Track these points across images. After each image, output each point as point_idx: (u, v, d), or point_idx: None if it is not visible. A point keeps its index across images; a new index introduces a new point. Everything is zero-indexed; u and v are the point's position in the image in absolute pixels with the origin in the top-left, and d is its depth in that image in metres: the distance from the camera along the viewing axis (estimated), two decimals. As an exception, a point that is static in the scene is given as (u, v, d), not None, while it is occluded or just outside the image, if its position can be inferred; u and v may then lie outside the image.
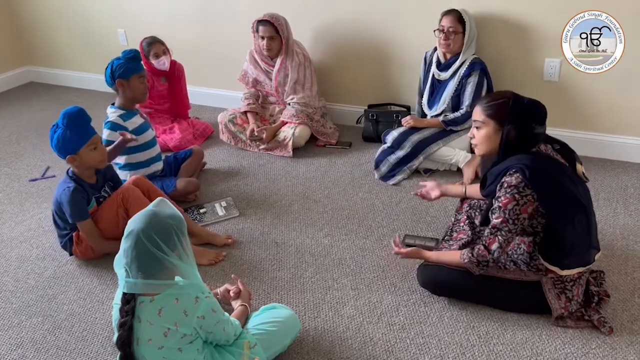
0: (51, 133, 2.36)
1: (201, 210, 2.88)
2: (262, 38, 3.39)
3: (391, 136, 3.13)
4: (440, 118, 3.08)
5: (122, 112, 2.85)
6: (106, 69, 2.82)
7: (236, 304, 2.04)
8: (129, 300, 1.61)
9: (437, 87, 3.19)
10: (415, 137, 3.06)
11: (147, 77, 3.59)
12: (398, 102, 3.55)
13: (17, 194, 3.22)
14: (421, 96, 3.29)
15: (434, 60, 3.19)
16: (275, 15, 3.39)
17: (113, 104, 2.88)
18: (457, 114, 3.06)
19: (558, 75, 3.08)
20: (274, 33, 3.37)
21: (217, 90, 4.20)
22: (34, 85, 4.98)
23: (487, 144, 2.01)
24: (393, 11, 3.37)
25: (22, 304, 2.33)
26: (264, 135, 3.44)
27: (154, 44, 3.61)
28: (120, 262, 1.63)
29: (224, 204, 2.93)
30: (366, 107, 3.60)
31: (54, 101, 4.53)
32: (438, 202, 2.67)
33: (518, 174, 1.89)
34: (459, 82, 3.07)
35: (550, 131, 3.12)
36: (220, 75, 4.12)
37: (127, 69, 2.78)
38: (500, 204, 1.91)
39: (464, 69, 3.05)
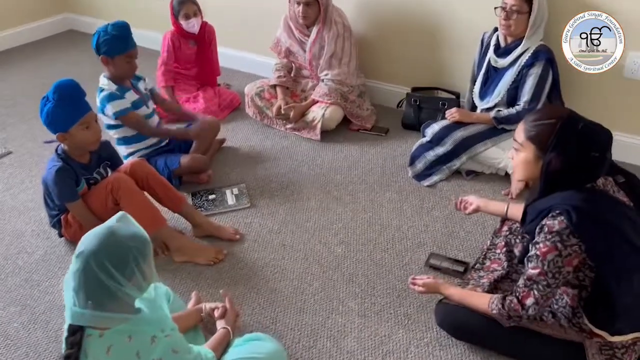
0: (41, 106, 2.13)
1: (210, 197, 2.62)
2: (298, 4, 3.00)
3: (431, 129, 2.72)
4: (492, 114, 2.64)
5: (115, 86, 2.57)
6: (93, 36, 2.54)
7: (220, 325, 1.78)
8: (75, 331, 1.37)
9: (493, 75, 2.73)
10: (460, 134, 2.64)
11: (175, 41, 3.35)
12: (447, 88, 3.11)
13: (29, 156, 3.06)
14: (474, 83, 2.84)
15: (492, 43, 2.71)
16: (311, -26, 2.98)
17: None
18: (512, 110, 2.60)
19: (642, 73, 2.57)
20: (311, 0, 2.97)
21: (251, 55, 3.86)
22: (73, 33, 4.79)
23: (525, 171, 1.63)
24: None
25: (4, 288, 2.17)
26: (292, 114, 3.10)
27: (186, 3, 3.29)
28: (69, 284, 1.39)
29: (235, 191, 2.66)
30: (409, 90, 3.19)
31: (90, 51, 4.30)
32: (476, 216, 2.29)
33: (562, 218, 1.49)
34: (519, 72, 2.60)
35: (630, 140, 2.78)
36: (255, 39, 3.77)
37: (112, 48, 2.48)
38: (538, 252, 1.53)
39: (527, 57, 2.57)
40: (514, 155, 1.66)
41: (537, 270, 1.54)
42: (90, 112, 2.15)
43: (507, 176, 2.66)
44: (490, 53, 2.70)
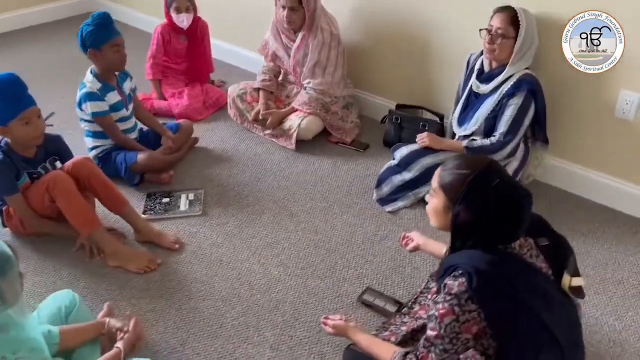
0: (-17, 98, 2.12)
1: (164, 200, 2.56)
2: (283, 8, 2.89)
3: (400, 153, 2.56)
4: (464, 143, 2.46)
5: (99, 84, 2.55)
6: (78, 34, 2.51)
7: (116, 344, 1.72)
8: None
9: (473, 101, 2.54)
10: (428, 161, 2.47)
11: (166, 34, 3.30)
12: (431, 108, 2.93)
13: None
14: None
15: (477, 67, 2.53)
16: (301, -23, 2.86)
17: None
18: (486, 141, 2.42)
19: (635, 114, 2.33)
20: (296, 3, 2.85)
21: (251, 53, 3.77)
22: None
23: (436, 220, 1.50)
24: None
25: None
26: (269, 120, 3.00)
27: None
28: None
29: (191, 196, 2.59)
30: (394, 106, 3.03)
31: None
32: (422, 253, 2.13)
33: (463, 279, 1.34)
34: (499, 101, 2.41)
35: (618, 185, 2.52)
36: (254, 36, 3.66)
37: (97, 38, 2.45)
38: (437, 313, 1.38)
39: (509, 85, 2.38)
40: (429, 199, 1.52)
41: (434, 333, 1.40)
42: (31, 108, 2.12)
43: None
44: (473, 77, 2.52)
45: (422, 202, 2.53)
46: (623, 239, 2.36)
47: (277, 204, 2.56)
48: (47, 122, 3.18)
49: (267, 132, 3.06)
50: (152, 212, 2.48)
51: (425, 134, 2.54)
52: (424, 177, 2.47)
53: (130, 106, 2.72)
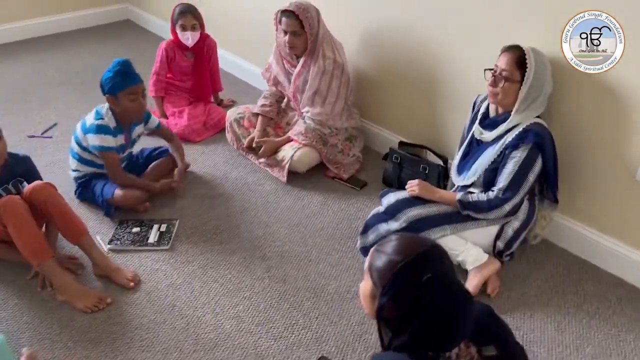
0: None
1: (134, 229, 2.42)
2: (285, 32, 2.70)
3: (387, 200, 2.31)
4: (458, 195, 2.18)
5: (115, 123, 2.45)
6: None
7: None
8: None
9: (475, 149, 2.26)
10: (415, 212, 2.20)
11: (170, 51, 3.20)
12: (435, 149, 2.66)
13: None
14: (461, 152, 2.39)
15: (482, 110, 2.26)
16: (305, 5, 2.66)
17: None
18: (483, 196, 2.13)
19: (660, 179, 1.99)
20: (299, 28, 2.66)
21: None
22: (130, 24, 4.80)
23: (365, 305, 1.26)
24: (458, 28, 2.42)
25: None
26: (263, 149, 2.82)
27: (185, 15, 3.12)
28: None
29: (163, 228, 2.44)
30: (398, 143, 2.77)
31: (134, 45, 4.31)
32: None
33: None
34: (501, 152, 2.12)
35: (636, 257, 2.14)
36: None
37: (114, 85, 2.37)
38: None
39: (513, 135, 2.09)
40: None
41: None
42: (-8, 130, 2.03)
43: (467, 272, 2.19)
44: (476, 122, 2.24)
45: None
46: (637, 324, 2.01)
47: (252, 244, 2.37)
48: (49, 133, 3.23)
49: (262, 160, 2.88)
50: (118, 242, 2.35)
51: (416, 181, 2.27)
52: (412, 230, 2.19)
53: (128, 150, 2.64)
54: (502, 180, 2.09)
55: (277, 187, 2.75)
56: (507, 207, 2.09)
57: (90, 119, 2.46)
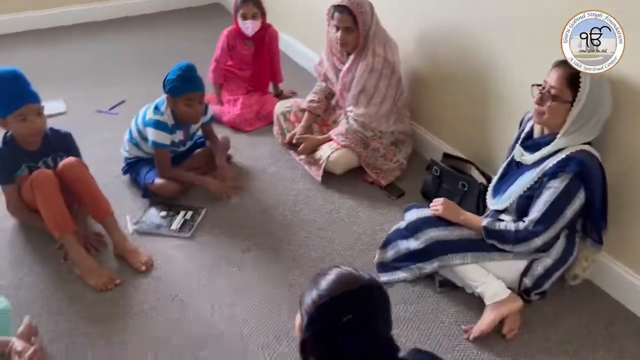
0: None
1: (161, 213, 2.47)
2: (337, 28, 2.59)
3: (410, 215, 2.14)
4: (484, 222, 1.97)
5: (173, 121, 2.52)
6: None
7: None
8: None
9: (513, 170, 2.03)
10: (435, 233, 2.02)
11: (231, 39, 3.22)
12: (481, 166, 2.43)
13: (74, 122, 3.23)
14: (503, 171, 2.16)
15: (526, 129, 2.02)
16: (359, 0, 2.53)
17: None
18: (511, 226, 1.90)
19: None
20: (352, 24, 2.54)
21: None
22: (218, 8, 4.89)
23: (299, 337, 1.16)
24: (523, 36, 2.16)
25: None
26: (302, 145, 2.75)
27: (247, 3, 3.12)
28: None
29: (188, 216, 2.46)
30: (442, 155, 2.57)
31: (218, 30, 4.34)
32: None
33: None
34: (539, 178, 1.88)
35: None
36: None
37: (173, 88, 2.43)
38: None
39: (554, 162, 1.84)
40: None
41: None
42: (28, 105, 2.13)
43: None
44: (519, 143, 2.01)
45: (430, 278, 2.12)
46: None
47: (269, 244, 2.33)
48: (115, 110, 3.39)
49: (302, 157, 2.81)
50: (144, 224, 2.41)
51: (441, 200, 2.09)
52: (430, 252, 2.04)
53: (188, 144, 2.71)
54: (535, 211, 1.86)
55: (311, 186, 2.68)
56: (538, 241, 1.86)
57: (150, 113, 2.53)
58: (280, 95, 3.45)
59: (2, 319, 1.79)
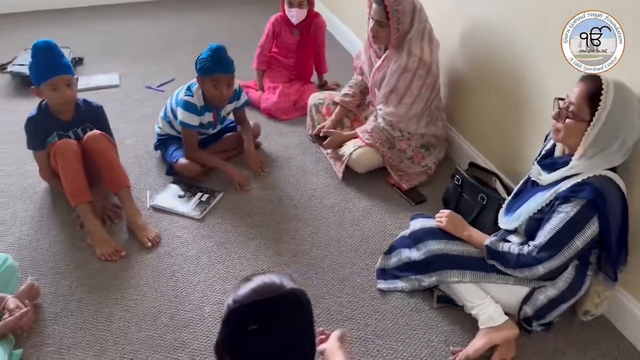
0: (31, 56, 2.30)
1: (180, 192, 2.52)
2: (371, 19, 2.51)
3: (414, 224, 2.04)
4: (487, 240, 1.83)
5: (203, 102, 2.56)
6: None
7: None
8: None
9: (527, 189, 1.88)
10: (436, 246, 1.92)
11: (277, 26, 3.22)
12: (505, 179, 2.27)
13: (124, 95, 3.37)
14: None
15: (547, 146, 1.85)
16: (401, -3, 2.42)
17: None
18: (514, 249, 1.76)
19: None
20: (384, 18, 2.44)
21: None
22: None
23: None
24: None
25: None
26: (328, 139, 2.70)
27: None
28: None
29: (204, 198, 2.49)
30: (468, 164, 2.43)
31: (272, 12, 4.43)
32: None
33: None
34: (551, 201, 1.72)
35: None
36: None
37: (202, 68, 2.46)
38: None
39: (567, 185, 1.68)
40: None
41: None
42: (60, 76, 2.22)
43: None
44: (537, 160, 1.85)
45: (427, 291, 2.02)
46: None
47: (274, 235, 2.31)
48: (164, 87, 3.50)
49: (329, 151, 2.77)
50: (160, 200, 2.47)
51: (446, 212, 1.97)
52: (430, 265, 1.94)
53: (219, 127, 2.75)
54: (542, 236, 1.71)
55: (332, 182, 2.63)
56: (540, 269, 1.71)
57: (182, 93, 2.59)
58: (324, 86, 3.42)
59: (5, 274, 1.90)
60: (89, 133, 2.35)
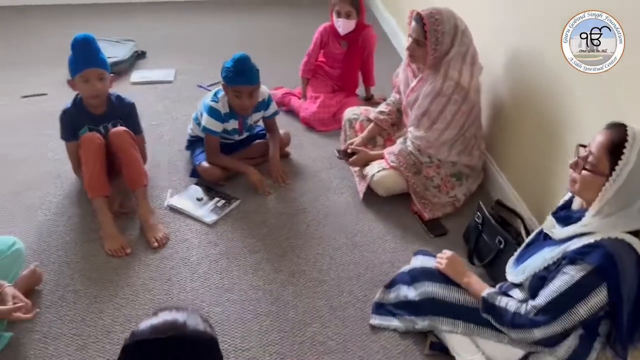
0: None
1: (198, 195, 2.53)
2: (409, 37, 2.38)
3: (415, 261, 1.91)
4: (485, 292, 1.66)
5: (228, 109, 2.58)
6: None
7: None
8: None
9: (539, 241, 1.69)
10: (432, 289, 1.77)
11: (325, 36, 3.18)
12: (529, 222, 2.07)
13: (175, 91, 3.45)
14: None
15: (565, 197, 1.66)
16: (441, 15, 2.26)
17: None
18: (512, 305, 1.58)
19: None
20: (422, 37, 2.31)
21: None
22: None
23: None
24: (609, 85, 1.79)
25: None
26: (354, 157, 2.60)
27: (343, 1, 3.00)
28: None
29: (220, 203, 2.48)
30: (495, 201, 2.24)
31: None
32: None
33: None
34: (558, 259, 1.53)
35: None
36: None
37: (226, 77, 2.48)
38: None
39: (576, 245, 1.48)
40: None
41: None
42: (92, 69, 2.28)
43: (471, 386, 1.70)
44: (552, 212, 1.66)
45: (422, 334, 1.88)
46: None
47: (279, 251, 2.25)
48: (213, 87, 3.53)
49: (356, 169, 2.67)
50: (179, 203, 2.48)
51: (448, 254, 1.81)
52: (423, 307, 1.80)
53: (245, 134, 2.74)
54: (542, 297, 1.53)
55: (352, 201, 2.53)
56: (536, 333, 1.53)
57: (209, 98, 2.61)
58: (370, 99, 3.32)
59: (10, 257, 1.97)
60: (114, 129, 2.40)
